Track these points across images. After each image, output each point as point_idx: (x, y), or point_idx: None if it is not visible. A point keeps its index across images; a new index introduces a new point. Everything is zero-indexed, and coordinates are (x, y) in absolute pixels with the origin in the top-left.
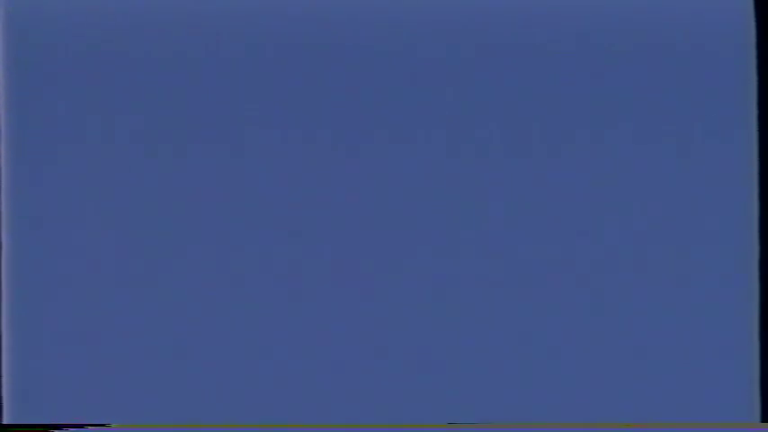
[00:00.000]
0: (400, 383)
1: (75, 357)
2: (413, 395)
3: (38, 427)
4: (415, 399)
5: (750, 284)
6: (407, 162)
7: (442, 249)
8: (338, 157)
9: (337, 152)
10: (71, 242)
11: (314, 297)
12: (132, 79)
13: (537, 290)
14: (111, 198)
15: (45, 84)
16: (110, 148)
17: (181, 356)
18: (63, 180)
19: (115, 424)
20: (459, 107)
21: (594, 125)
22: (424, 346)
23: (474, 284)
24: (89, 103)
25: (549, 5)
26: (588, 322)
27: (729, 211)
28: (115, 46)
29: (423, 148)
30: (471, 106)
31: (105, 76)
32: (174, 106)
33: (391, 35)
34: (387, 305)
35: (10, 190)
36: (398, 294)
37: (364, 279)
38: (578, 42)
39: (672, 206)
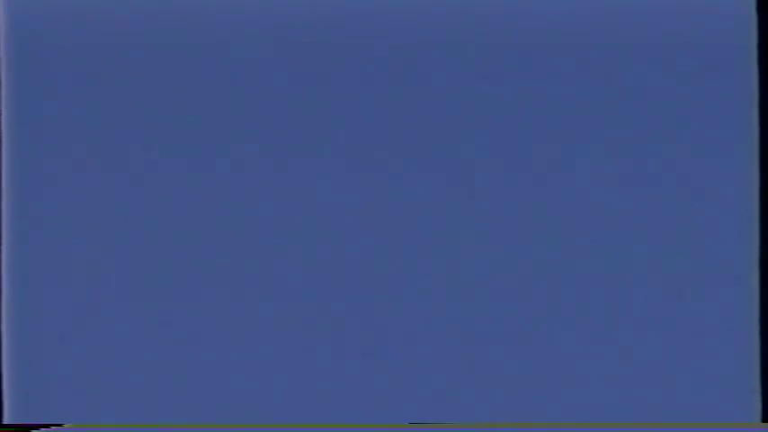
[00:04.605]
0: (400, 383)
1: (76, 357)
2: (413, 395)
3: (38, 427)
4: (414, 399)
5: (750, 285)
6: (409, 162)
7: (442, 253)
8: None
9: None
10: (71, 242)
11: (313, 298)
12: (133, 78)
13: (539, 291)
14: (112, 197)
15: (46, 83)
16: (110, 147)
17: (181, 357)
18: (64, 179)
19: (113, 424)
20: (458, 109)
21: (594, 125)
22: (423, 347)
23: (473, 286)
24: (89, 103)
25: (548, 6)
26: (589, 324)
27: (730, 212)
28: (115, 45)
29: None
30: (468, 109)
31: (105, 75)
32: (175, 105)
33: (390, 39)
34: (386, 306)
35: (10, 189)
36: (397, 295)
37: (364, 279)
38: (578, 43)
39: (673, 206)
